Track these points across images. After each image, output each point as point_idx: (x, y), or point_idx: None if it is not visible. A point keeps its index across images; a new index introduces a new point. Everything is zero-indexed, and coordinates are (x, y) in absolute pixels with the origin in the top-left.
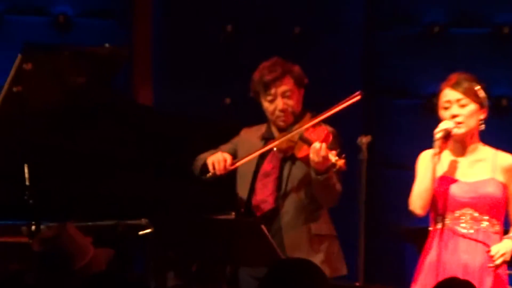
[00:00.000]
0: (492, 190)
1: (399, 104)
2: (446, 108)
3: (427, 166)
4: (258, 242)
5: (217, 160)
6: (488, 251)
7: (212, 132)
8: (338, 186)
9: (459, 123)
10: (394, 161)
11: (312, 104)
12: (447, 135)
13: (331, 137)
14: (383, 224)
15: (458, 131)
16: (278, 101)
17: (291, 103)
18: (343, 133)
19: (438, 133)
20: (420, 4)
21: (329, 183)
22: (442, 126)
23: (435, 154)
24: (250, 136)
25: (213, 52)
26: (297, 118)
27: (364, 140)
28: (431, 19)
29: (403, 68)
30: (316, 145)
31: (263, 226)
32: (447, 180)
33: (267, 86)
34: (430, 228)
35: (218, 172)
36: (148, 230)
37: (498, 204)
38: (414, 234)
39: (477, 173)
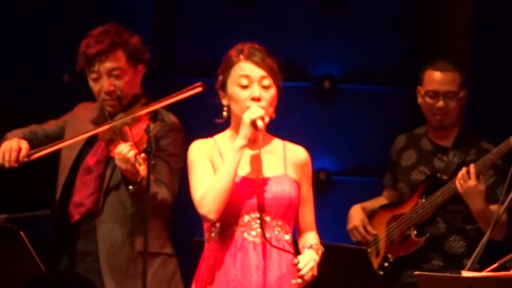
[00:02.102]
0: (288, 189)
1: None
2: (244, 87)
3: (230, 159)
4: (15, 253)
5: (8, 149)
6: (296, 263)
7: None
8: (163, 193)
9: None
10: None
11: None
12: (255, 125)
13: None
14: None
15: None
16: (104, 80)
17: (120, 84)
18: None
19: (258, 120)
20: None
21: (145, 193)
22: (257, 112)
23: (242, 147)
24: (83, 115)
25: None
26: (131, 103)
27: (152, 128)
28: None
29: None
30: (122, 148)
31: (22, 233)
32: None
33: (90, 61)
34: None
35: (7, 165)
36: None
37: (294, 207)
38: None
39: (268, 169)
